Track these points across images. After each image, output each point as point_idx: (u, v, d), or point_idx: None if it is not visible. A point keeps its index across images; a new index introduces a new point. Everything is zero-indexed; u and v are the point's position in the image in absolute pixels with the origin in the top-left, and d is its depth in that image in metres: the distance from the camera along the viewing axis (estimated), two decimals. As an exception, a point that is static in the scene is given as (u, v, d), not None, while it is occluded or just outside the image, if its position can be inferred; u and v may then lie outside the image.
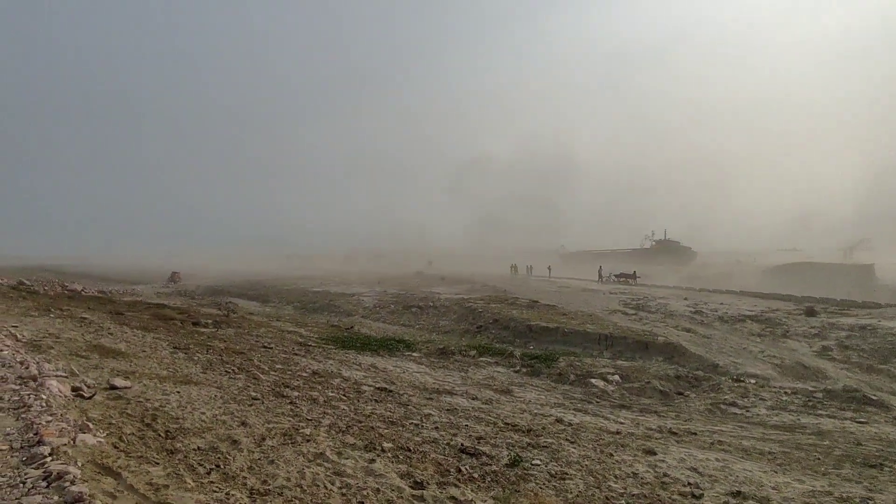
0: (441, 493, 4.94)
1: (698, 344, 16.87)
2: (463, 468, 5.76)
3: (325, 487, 4.68)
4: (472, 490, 5.15)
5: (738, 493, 5.85)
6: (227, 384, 8.53)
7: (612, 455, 7.01)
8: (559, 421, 8.83)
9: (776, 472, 6.75)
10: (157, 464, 4.47)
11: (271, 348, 13.51)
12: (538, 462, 6.35)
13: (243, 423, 6.28)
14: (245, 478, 4.61)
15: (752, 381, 13.06)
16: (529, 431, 7.89)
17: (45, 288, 23.80)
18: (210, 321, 17.05)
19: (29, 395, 5.83)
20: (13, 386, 6.20)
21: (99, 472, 4.03)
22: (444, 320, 23.22)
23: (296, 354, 13.15)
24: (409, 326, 22.71)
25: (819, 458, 7.51)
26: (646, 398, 11.82)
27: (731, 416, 10.55)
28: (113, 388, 7.10)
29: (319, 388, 9.35)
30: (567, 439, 7.64)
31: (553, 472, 6.08)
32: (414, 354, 15.70)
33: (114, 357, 9.31)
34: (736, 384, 12.61)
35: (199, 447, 5.20)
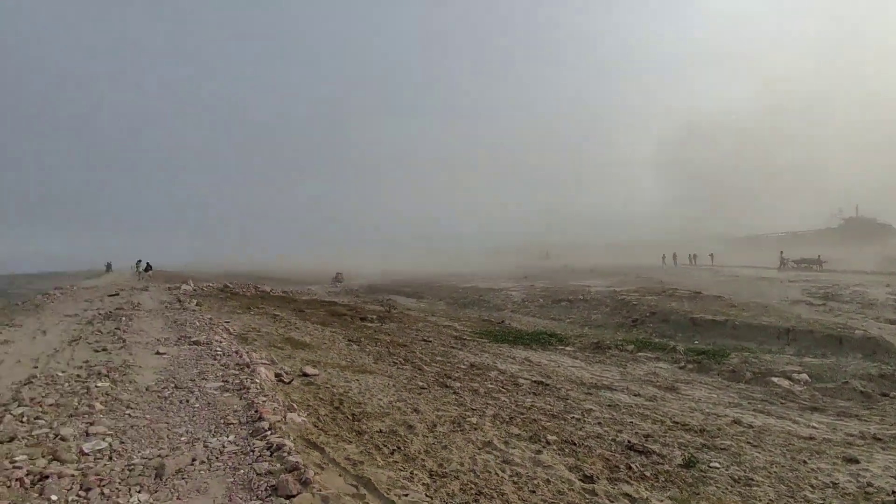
0: (613, 488, 4.87)
1: (912, 339, 14.11)
2: (633, 465, 5.59)
3: (497, 475, 4.89)
4: (645, 488, 4.98)
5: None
6: (397, 374, 9.29)
7: (805, 462, 6.26)
8: (737, 422, 8.08)
9: None
10: (351, 442, 5.07)
11: (430, 341, 14.34)
12: (717, 465, 5.91)
13: (416, 410, 6.81)
14: (423, 460, 5.01)
15: None
16: (703, 432, 7.35)
17: (243, 290, 28.02)
18: (375, 317, 18.62)
19: (246, 379, 6.98)
20: (234, 371, 7.47)
21: (307, 446, 4.71)
22: (596, 314, 22.47)
23: (453, 347, 13.79)
24: (558, 320, 22.41)
25: None
26: (843, 400, 10.24)
27: (966, 427, 8.68)
28: (305, 374, 8.17)
29: (479, 379, 9.72)
30: (749, 442, 6.97)
31: (736, 476, 5.61)
32: (567, 348, 15.47)
33: (302, 348, 10.67)
34: (971, 388, 10.33)
35: (381, 430, 5.78)
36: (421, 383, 8.63)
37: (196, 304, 16.32)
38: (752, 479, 5.56)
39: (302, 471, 4.05)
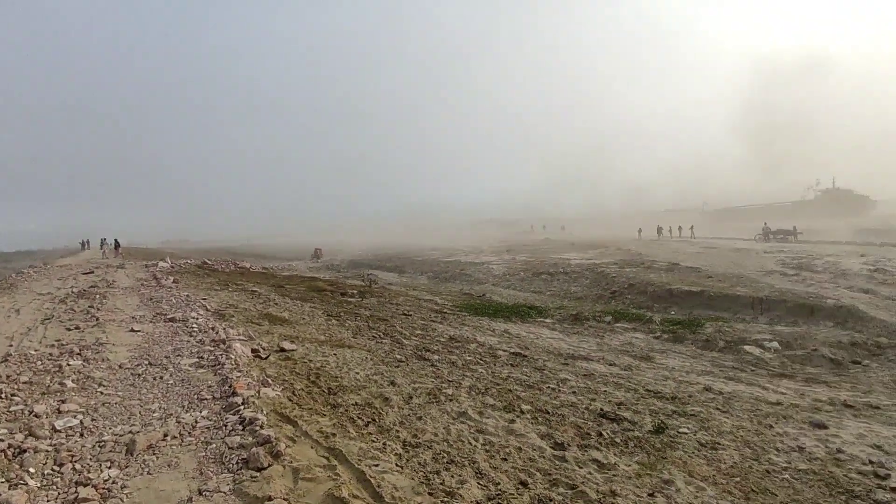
0: (583, 454, 4.98)
1: (880, 307, 14.57)
2: (604, 432, 5.72)
3: (470, 443, 4.97)
4: (614, 454, 5.11)
5: (936, 475, 5.08)
6: (375, 348, 9.32)
7: (771, 427, 6.48)
8: (708, 389, 8.31)
9: None
10: (324, 415, 5.09)
11: (410, 315, 14.39)
12: (686, 430, 6.08)
13: (392, 383, 6.85)
14: (398, 431, 5.06)
15: (956, 349, 11.01)
16: (674, 399, 7.55)
17: (222, 266, 27.70)
18: (355, 291, 18.59)
19: (221, 355, 6.94)
20: (209, 347, 7.42)
21: (280, 420, 4.71)
22: (576, 286, 22.73)
23: (433, 321, 13.86)
24: (539, 293, 22.63)
25: None
26: (812, 367, 10.59)
27: (926, 390, 9.05)
28: (282, 350, 8.15)
29: (457, 352, 9.80)
30: (718, 408, 7.19)
31: (703, 441, 5.79)
32: (546, 321, 15.67)
33: (280, 324, 10.63)
34: (932, 353, 10.74)
35: (356, 402, 5.81)
36: (399, 356, 8.67)
37: (173, 281, 16.10)
38: (719, 443, 5.74)
39: (273, 444, 4.06)
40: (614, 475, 4.55)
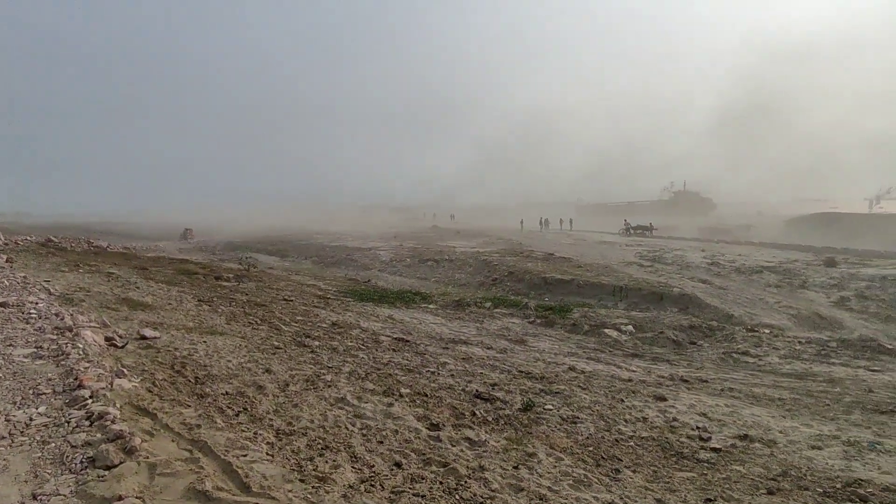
0: (456, 433, 5.20)
1: (714, 295, 16.88)
2: (477, 412, 6.01)
3: (347, 428, 4.95)
4: (486, 431, 5.40)
5: (745, 436, 6.03)
6: (251, 334, 8.87)
7: (622, 401, 7.23)
8: (572, 369, 9.05)
9: (784, 417, 6.91)
10: (189, 406, 4.76)
11: (292, 301, 13.88)
12: (550, 407, 6.59)
13: (268, 371, 6.58)
14: (271, 419, 4.89)
15: (767, 330, 13.12)
16: (543, 378, 8.13)
17: (73, 245, 24.48)
18: (232, 275, 17.49)
19: (66, 343, 6.16)
20: (51, 336, 6.55)
21: (136, 413, 4.33)
22: (460, 273, 23.45)
23: (315, 307, 13.51)
24: (425, 279, 23.02)
25: (829, 405, 7.64)
26: (658, 347, 12.00)
27: (744, 365, 10.69)
28: (143, 338, 7.45)
29: (339, 338, 9.67)
30: (579, 386, 7.86)
31: (565, 416, 6.31)
32: (430, 306, 16.00)
33: (142, 309, 9.69)
34: (750, 334, 12.70)
35: (227, 392, 5.50)
36: (277, 343, 8.35)
37: (6, 261, 13.92)
38: (578, 417, 6.30)
39: (127, 439, 3.72)
40: (484, 451, 4.81)
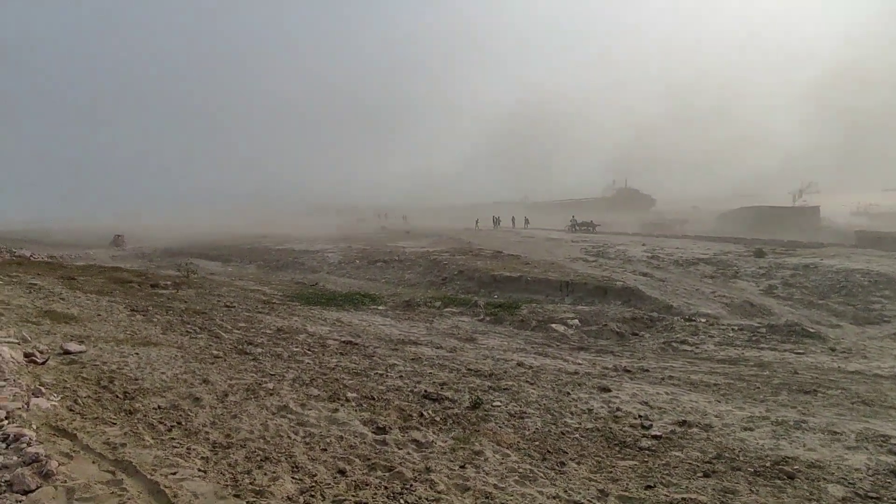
0: (403, 436, 5.11)
1: (654, 287, 17.54)
2: (425, 413, 5.95)
3: (289, 437, 4.77)
4: (433, 432, 5.34)
5: (684, 422, 6.26)
6: (189, 344, 8.45)
7: (569, 394, 7.35)
8: (520, 364, 9.15)
9: (720, 402, 7.23)
10: (114, 424, 4.45)
11: (234, 307, 13.36)
12: (499, 403, 6.61)
13: (205, 381, 6.27)
14: (207, 433, 4.65)
15: (703, 319, 13.75)
16: (491, 375, 8.16)
17: (-11, 255, 22.62)
18: (169, 283, 16.66)
19: (-25, 363, 5.64)
20: (-42, 354, 5.98)
21: (54, 434, 4.00)
22: (410, 273, 23.34)
23: (259, 312, 13.06)
24: (374, 281, 22.76)
25: (759, 388, 8.07)
26: (603, 340, 12.34)
27: (682, 353, 11.15)
28: (67, 352, 6.94)
29: (284, 343, 9.37)
30: (527, 381, 7.95)
31: (513, 411, 6.35)
32: (380, 308, 15.82)
33: (66, 322, 9.05)
34: (688, 323, 13.28)
35: (159, 406, 5.19)
36: (216, 352, 7.99)
37: None
38: (525, 412, 6.36)
39: (43, 462, 3.44)
40: (431, 452, 4.76)
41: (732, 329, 12.81)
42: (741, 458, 5.13)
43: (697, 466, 4.93)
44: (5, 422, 4.19)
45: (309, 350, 9.03)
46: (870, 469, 4.79)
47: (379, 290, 19.96)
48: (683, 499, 4.17)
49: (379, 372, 7.84)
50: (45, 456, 3.56)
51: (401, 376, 7.70)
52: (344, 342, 10.03)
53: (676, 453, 5.29)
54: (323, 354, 8.79)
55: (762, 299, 16.88)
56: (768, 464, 4.96)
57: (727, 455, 5.22)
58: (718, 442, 5.66)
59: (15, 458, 3.59)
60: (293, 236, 41.96)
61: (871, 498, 4.22)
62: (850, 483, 4.50)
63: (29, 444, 3.79)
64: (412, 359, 9.10)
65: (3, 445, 3.80)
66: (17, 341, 7.15)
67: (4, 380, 5.25)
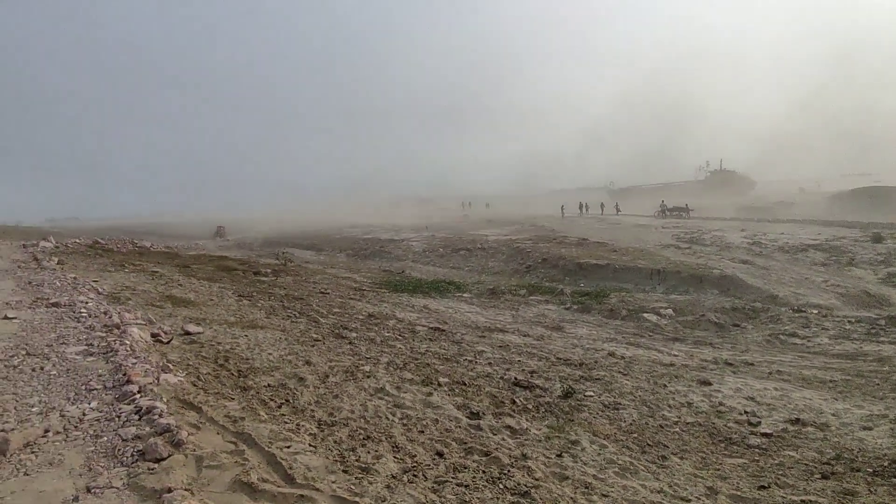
0: (497, 422, 5.14)
1: (756, 276, 16.27)
2: (517, 400, 5.95)
3: (387, 418, 4.96)
4: (526, 419, 5.33)
5: (797, 420, 5.80)
6: (290, 327, 9.02)
7: (665, 386, 7.04)
8: (611, 355, 8.88)
9: (836, 399, 6.62)
10: (233, 399, 4.85)
11: (328, 293, 14.06)
12: (591, 394, 6.47)
13: (308, 363, 6.67)
14: (313, 411, 4.94)
15: (814, 311, 12.57)
16: (582, 365, 7.99)
17: (118, 246, 25.40)
18: (269, 270, 17.84)
19: (114, 341, 6.37)
20: (100, 333, 6.78)
21: (182, 407, 4.43)
22: (493, 261, 23.32)
23: (351, 298, 13.65)
24: (458, 269, 22.98)
25: (878, 384, 7.30)
26: (700, 331, 11.65)
27: (791, 347, 10.28)
28: (187, 333, 7.66)
29: (376, 329, 9.73)
30: (620, 372, 7.70)
31: (606, 402, 6.19)
32: (465, 295, 15.96)
33: (185, 306, 9.97)
34: (796, 314, 12.19)
35: (269, 384, 5.59)
36: (315, 335, 8.46)
37: (57, 263, 14.54)
38: (620, 404, 6.17)
39: (174, 432, 3.81)
40: (526, 440, 4.75)
41: (848, 321, 11.60)
42: (860, 459, 4.71)
43: (815, 467, 4.56)
44: (138, 395, 4.68)
45: (400, 335, 9.32)
46: None
47: (463, 277, 20.14)
48: (802, 501, 3.87)
49: (468, 358, 7.93)
50: (176, 426, 3.94)
51: (490, 363, 7.74)
52: (432, 328, 10.24)
53: (790, 453, 4.92)
54: (413, 340, 9.03)
55: (881, 288, 15.14)
56: (887, 463, 4.52)
57: (846, 456, 4.80)
58: (836, 442, 5.20)
59: (148, 428, 4.01)
60: (379, 226, 43.30)
61: None
62: None
63: (161, 416, 4.22)
64: (500, 346, 9.11)
65: (137, 417, 4.25)
66: (144, 323, 8.00)
67: (136, 357, 5.89)
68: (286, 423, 4.46)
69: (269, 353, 6.93)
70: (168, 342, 7.03)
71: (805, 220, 31.71)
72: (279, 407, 4.91)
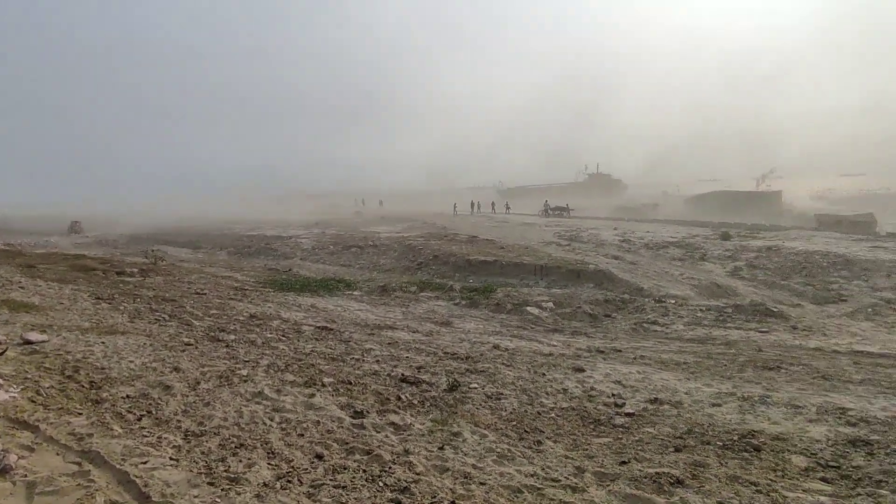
0: (381, 419, 5.09)
1: (625, 270, 17.85)
2: (403, 396, 5.94)
3: (264, 423, 4.70)
4: (411, 415, 5.34)
5: (656, 399, 6.41)
6: (158, 332, 8.23)
7: (544, 375, 7.44)
8: (496, 347, 9.21)
9: (689, 379, 7.42)
10: (80, 414, 4.30)
11: (205, 294, 13.07)
12: (476, 385, 6.65)
13: (176, 369, 6.12)
14: (179, 421, 4.54)
15: (672, 301, 14.07)
16: (468, 358, 8.19)
17: (-60, 243, 21.56)
18: (136, 270, 16.17)
19: (-73, 354, 5.38)
20: None
21: (13, 427, 3.84)
22: (385, 259, 23.20)
23: (231, 299, 12.81)
24: (349, 266, 22.55)
25: (726, 365, 8.32)
26: (576, 322, 12.52)
27: (653, 333, 11.41)
28: (27, 342, 6.68)
29: (258, 330, 9.21)
30: (503, 363, 8.01)
31: (489, 393, 6.39)
32: (355, 293, 15.70)
33: (27, 311, 8.70)
34: (658, 304, 13.57)
35: (128, 395, 5.05)
36: (187, 339, 7.80)
37: None
38: (502, 394, 6.41)
39: (1, 457, 3.29)
40: (409, 435, 4.75)
41: (700, 309, 13.14)
42: (710, 433, 5.27)
43: (669, 442, 5.05)
44: (-40, 416, 4.00)
45: (283, 336, 8.91)
46: (829, 440, 4.99)
47: (353, 275, 19.79)
48: (657, 473, 4.27)
49: (355, 357, 7.78)
50: (3, 450, 3.41)
51: (377, 361, 7.66)
52: (319, 328, 9.92)
53: (649, 429, 5.41)
54: (298, 340, 8.68)
55: (728, 280, 17.36)
56: (736, 437, 5.12)
57: (697, 430, 5.36)
58: (688, 418, 5.80)
59: (-29, 453, 3.43)
60: (266, 222, 41.19)
61: (832, 467, 4.39)
62: (812, 454, 4.67)
63: (-13, 438, 3.63)
64: (389, 343, 9.06)
65: (-42, 441, 3.63)
66: (-28, 332, 6.85)
67: (-40, 372, 5.03)
68: (145, 436, 4.04)
69: (130, 361, 6.26)
70: (2, 353, 6.08)
71: (667, 220, 35.49)
72: (139, 420, 4.45)
